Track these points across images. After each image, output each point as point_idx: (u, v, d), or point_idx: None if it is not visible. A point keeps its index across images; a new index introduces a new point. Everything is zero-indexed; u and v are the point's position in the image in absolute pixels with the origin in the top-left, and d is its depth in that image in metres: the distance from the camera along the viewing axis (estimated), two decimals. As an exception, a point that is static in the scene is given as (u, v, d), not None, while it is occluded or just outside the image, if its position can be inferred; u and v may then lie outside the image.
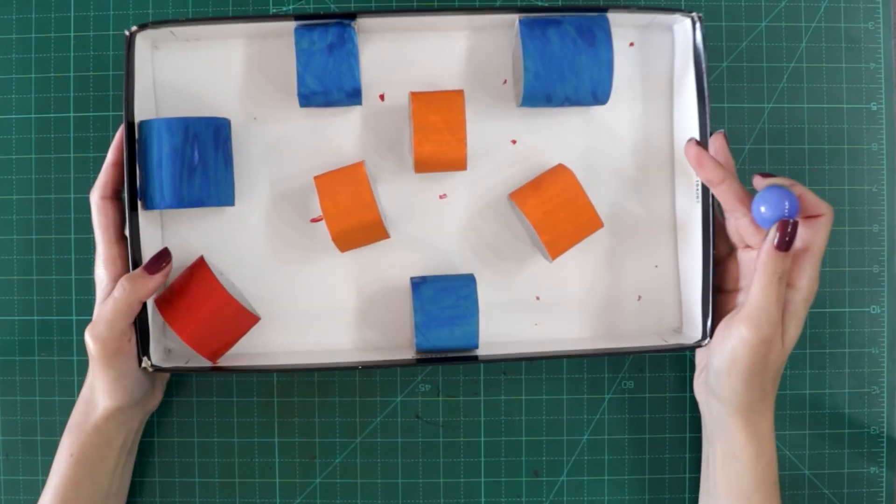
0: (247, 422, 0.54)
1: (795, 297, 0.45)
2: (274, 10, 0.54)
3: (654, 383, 0.54)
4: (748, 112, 0.54)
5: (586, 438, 0.54)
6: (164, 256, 0.48)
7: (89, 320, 0.52)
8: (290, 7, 0.54)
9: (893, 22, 0.55)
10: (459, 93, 0.48)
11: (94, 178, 0.53)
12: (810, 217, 0.45)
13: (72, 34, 0.54)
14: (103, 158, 0.53)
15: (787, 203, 0.42)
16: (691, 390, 0.54)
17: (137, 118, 0.48)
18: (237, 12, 0.54)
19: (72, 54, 0.54)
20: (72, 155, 0.54)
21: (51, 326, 0.54)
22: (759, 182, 0.45)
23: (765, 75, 0.54)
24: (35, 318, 0.54)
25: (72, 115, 0.54)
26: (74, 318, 0.54)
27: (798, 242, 0.44)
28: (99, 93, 0.54)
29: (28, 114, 0.54)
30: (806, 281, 0.44)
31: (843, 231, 0.54)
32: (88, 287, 0.54)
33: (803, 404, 0.54)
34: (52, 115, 0.54)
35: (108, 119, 0.54)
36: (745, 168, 0.54)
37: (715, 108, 0.54)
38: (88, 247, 0.54)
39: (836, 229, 0.54)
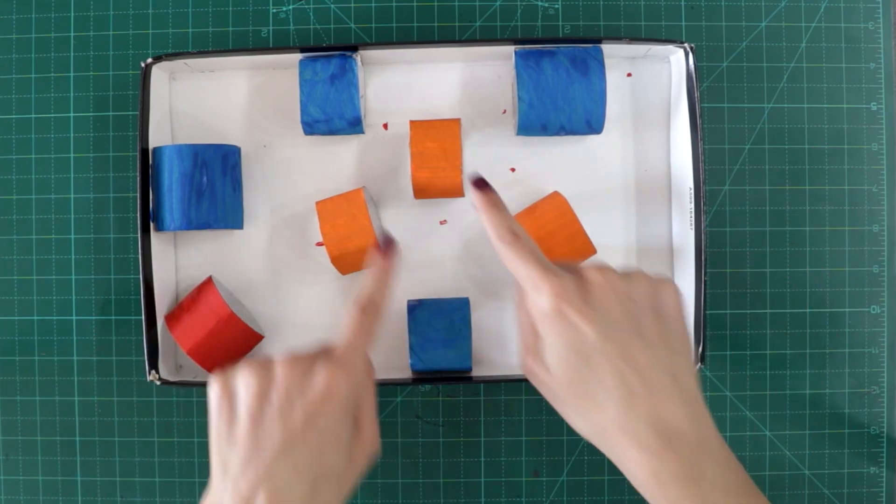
0: (247, 422, 0.54)
1: None
2: (274, 11, 0.54)
3: (654, 383, 0.54)
4: (748, 112, 0.54)
5: (586, 438, 0.54)
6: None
7: (89, 320, 0.52)
8: (290, 7, 0.54)
9: (893, 22, 0.55)
10: (456, 121, 0.49)
11: (94, 178, 0.54)
12: None
13: (72, 34, 0.54)
14: (104, 159, 0.53)
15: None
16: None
17: (155, 144, 0.50)
18: (237, 22, 0.54)
19: (72, 54, 0.54)
20: (72, 155, 0.54)
21: (51, 326, 0.54)
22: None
23: (765, 75, 0.54)
24: (35, 318, 0.54)
25: (72, 115, 0.54)
26: (74, 318, 0.54)
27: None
28: (99, 93, 0.54)
29: (28, 114, 0.54)
30: None
31: (843, 231, 0.54)
32: (88, 287, 0.54)
33: (803, 404, 0.54)
34: (51, 115, 0.54)
35: (107, 119, 0.54)
36: (746, 168, 0.54)
37: (715, 108, 0.54)
38: (88, 247, 0.54)
39: (836, 229, 0.54)
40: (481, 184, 0.43)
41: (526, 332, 0.41)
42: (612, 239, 0.53)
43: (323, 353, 0.40)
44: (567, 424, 0.54)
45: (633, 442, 0.37)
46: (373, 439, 0.41)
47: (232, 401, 0.39)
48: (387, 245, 0.43)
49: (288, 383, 0.39)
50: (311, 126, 0.50)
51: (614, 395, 0.38)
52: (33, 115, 0.54)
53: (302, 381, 0.39)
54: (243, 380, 0.40)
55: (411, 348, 0.49)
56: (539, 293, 0.39)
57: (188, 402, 0.54)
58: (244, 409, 0.39)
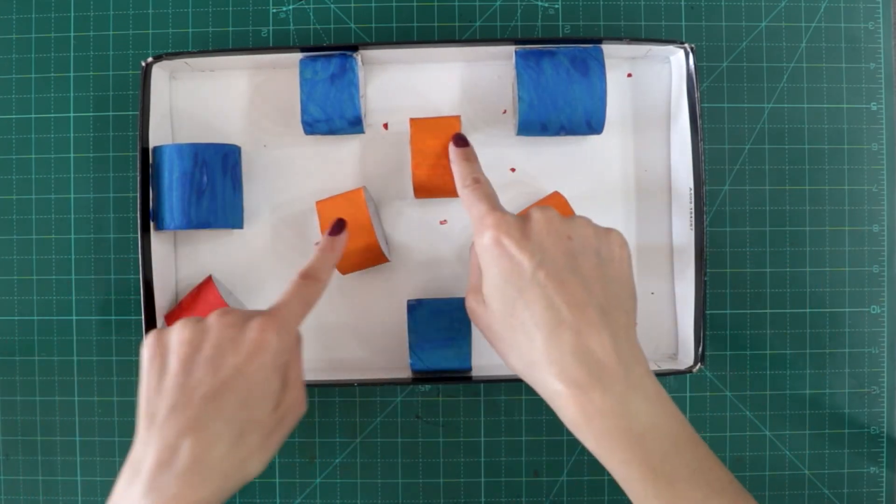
0: (247, 422, 0.54)
1: None
2: (274, 11, 0.54)
3: (654, 383, 0.54)
4: (748, 112, 0.54)
5: (586, 438, 0.54)
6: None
7: (89, 320, 0.52)
8: (290, 7, 0.54)
9: (893, 22, 0.55)
10: (456, 118, 0.49)
11: (94, 178, 0.54)
12: None
13: (72, 34, 0.54)
14: (104, 159, 0.53)
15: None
16: (691, 390, 0.54)
17: (155, 143, 0.50)
18: (237, 22, 0.54)
19: (72, 54, 0.54)
20: (72, 155, 0.54)
21: (51, 326, 0.54)
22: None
23: (765, 75, 0.54)
24: (35, 318, 0.54)
25: (72, 115, 0.54)
26: (74, 318, 0.54)
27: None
28: (99, 93, 0.54)
29: (28, 114, 0.54)
30: None
31: (843, 231, 0.54)
32: (88, 287, 0.54)
33: (803, 404, 0.54)
34: (51, 115, 0.54)
35: (107, 119, 0.54)
36: (746, 168, 0.54)
37: (715, 108, 0.54)
38: (88, 247, 0.54)
39: (836, 229, 0.54)
40: (460, 141, 0.46)
41: (473, 272, 0.43)
42: (612, 239, 0.53)
43: (258, 312, 0.41)
44: (565, 429, 0.54)
45: (559, 374, 0.38)
46: (299, 400, 0.42)
47: (164, 353, 0.40)
48: (336, 225, 0.46)
49: (220, 335, 0.40)
50: (312, 125, 0.50)
51: (543, 325, 0.38)
52: (33, 115, 0.54)
53: (235, 333, 0.40)
54: (177, 333, 0.40)
55: (411, 348, 0.49)
56: (484, 227, 0.41)
57: (188, 402, 0.54)
58: (175, 359, 0.40)
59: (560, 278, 0.39)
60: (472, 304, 0.42)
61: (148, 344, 0.41)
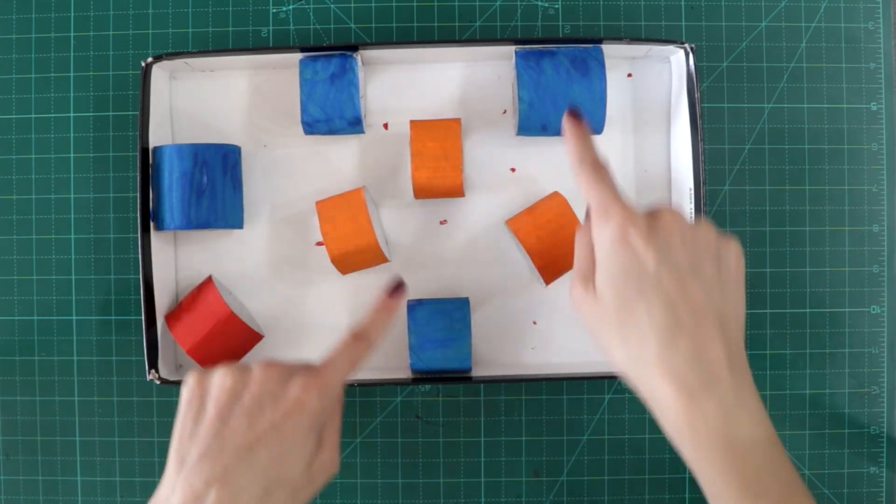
0: (247, 422, 0.54)
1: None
2: (274, 11, 0.54)
3: (654, 383, 0.54)
4: (748, 112, 0.54)
5: (586, 438, 0.54)
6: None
7: (89, 320, 0.52)
8: (290, 7, 0.54)
9: (893, 22, 0.55)
10: (456, 121, 0.49)
11: (94, 178, 0.54)
12: None
13: (72, 34, 0.54)
14: (104, 159, 0.53)
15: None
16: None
17: (155, 143, 0.50)
18: (237, 22, 0.54)
19: (72, 54, 0.54)
20: (72, 155, 0.54)
21: (51, 326, 0.54)
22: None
23: (765, 75, 0.54)
24: (35, 318, 0.54)
25: (72, 115, 0.54)
26: (74, 318, 0.54)
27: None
28: (99, 93, 0.54)
29: (28, 114, 0.54)
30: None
31: (843, 231, 0.54)
32: (88, 287, 0.54)
33: (803, 404, 0.54)
34: (51, 115, 0.54)
35: (107, 119, 0.54)
36: (746, 168, 0.54)
37: (715, 108, 0.54)
38: (88, 247, 0.54)
39: (836, 229, 0.54)
40: (576, 114, 0.43)
41: (582, 259, 0.41)
42: (612, 239, 0.53)
43: (303, 367, 0.41)
44: (567, 424, 0.54)
45: (672, 378, 0.37)
46: (332, 460, 0.41)
47: (203, 397, 0.40)
48: (396, 287, 0.45)
49: (262, 387, 0.39)
50: (312, 126, 0.50)
51: (659, 325, 0.37)
52: (33, 115, 0.54)
53: (276, 389, 0.39)
54: (218, 378, 0.40)
55: (411, 348, 0.49)
56: (608, 217, 0.39)
57: (188, 402, 0.54)
58: (213, 405, 0.39)
59: (682, 281, 0.38)
60: (578, 294, 0.41)
61: (188, 386, 0.40)
